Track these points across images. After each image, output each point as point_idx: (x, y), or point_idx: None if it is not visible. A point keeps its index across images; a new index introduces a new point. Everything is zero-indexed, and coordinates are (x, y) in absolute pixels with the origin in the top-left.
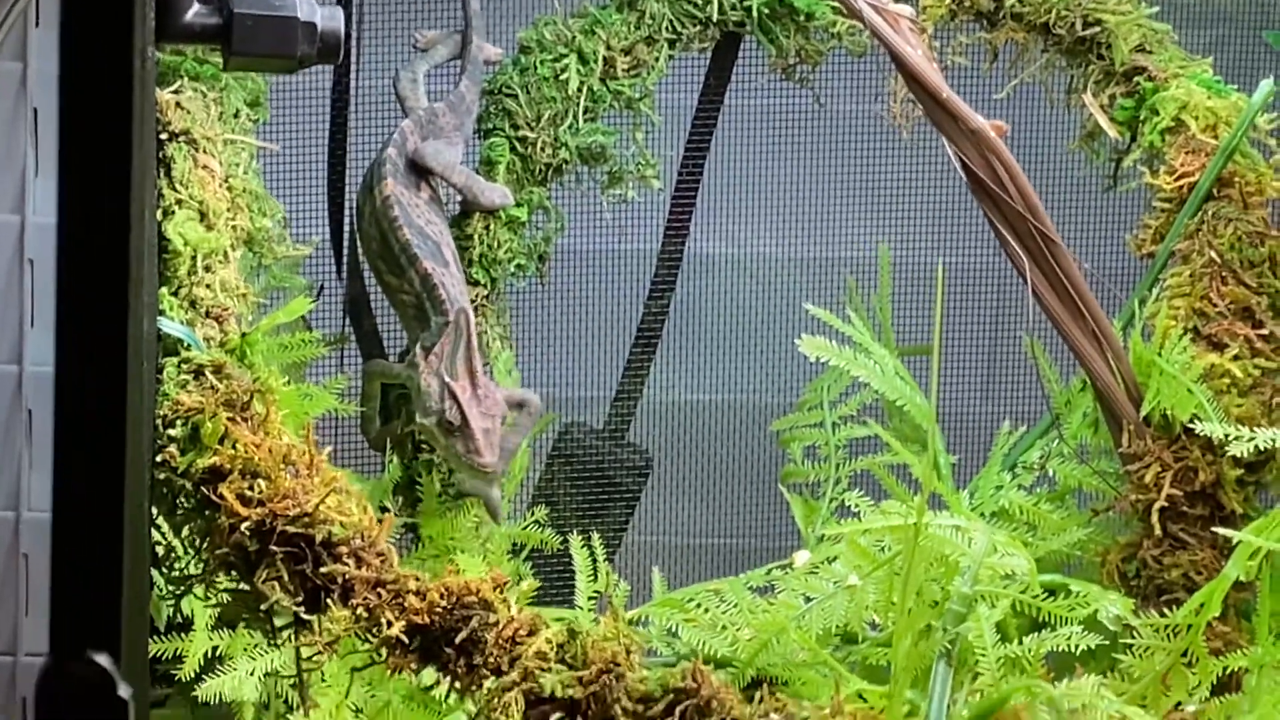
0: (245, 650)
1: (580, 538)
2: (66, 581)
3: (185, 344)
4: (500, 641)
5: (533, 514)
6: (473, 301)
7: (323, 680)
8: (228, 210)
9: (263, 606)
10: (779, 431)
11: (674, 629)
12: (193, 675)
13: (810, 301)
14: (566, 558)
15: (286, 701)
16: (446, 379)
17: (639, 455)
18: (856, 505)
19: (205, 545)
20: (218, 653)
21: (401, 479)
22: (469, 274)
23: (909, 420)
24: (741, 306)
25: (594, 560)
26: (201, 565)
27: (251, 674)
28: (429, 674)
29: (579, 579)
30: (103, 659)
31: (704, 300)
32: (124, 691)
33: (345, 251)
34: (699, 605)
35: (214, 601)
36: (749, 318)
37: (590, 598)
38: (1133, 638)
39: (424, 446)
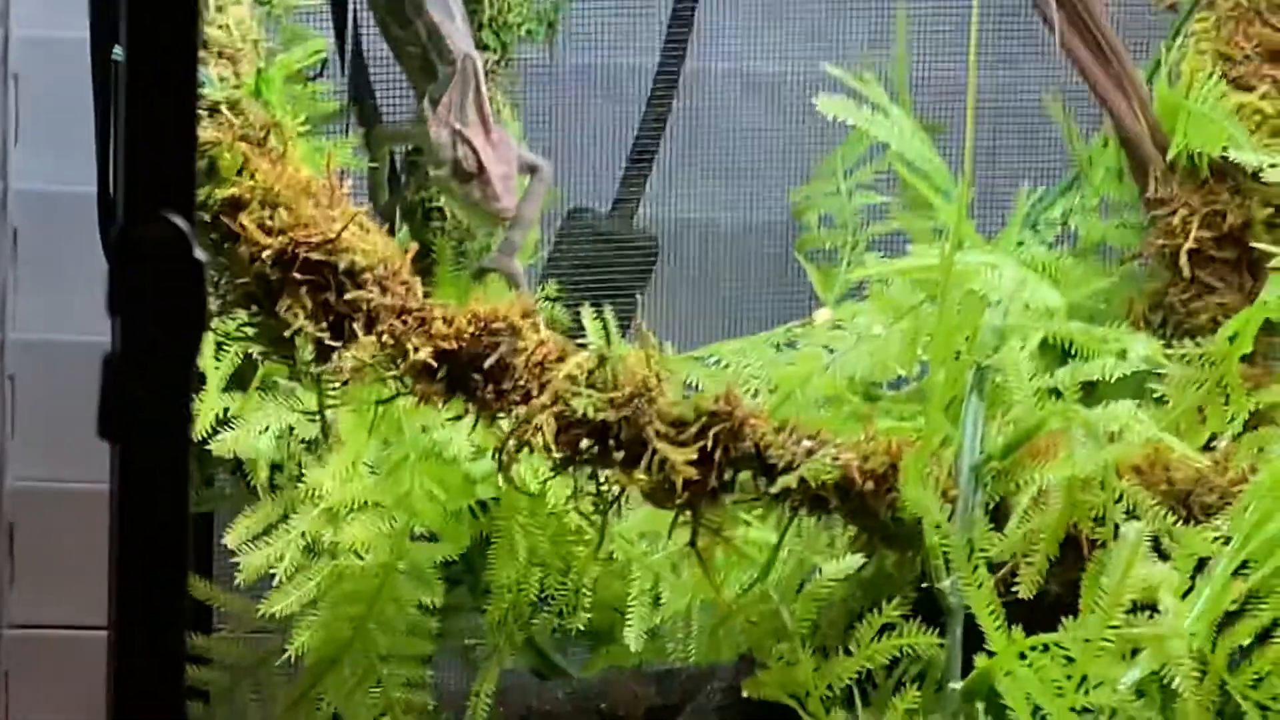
0: (258, 408)
1: (591, 311)
2: (140, 141)
3: (200, 82)
4: (530, 366)
5: (543, 289)
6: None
7: (338, 438)
8: None
9: (285, 334)
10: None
11: (695, 384)
12: (205, 435)
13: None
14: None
15: (299, 463)
16: (458, 126)
17: (646, 237)
18: (873, 264)
19: (224, 279)
20: (228, 413)
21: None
22: (478, 38)
23: (929, 183)
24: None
25: (607, 333)
26: (220, 301)
27: (265, 430)
28: (456, 406)
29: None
30: (177, 219)
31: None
32: (200, 254)
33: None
34: (719, 361)
35: (226, 361)
36: (749, 129)
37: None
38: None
39: (435, 214)
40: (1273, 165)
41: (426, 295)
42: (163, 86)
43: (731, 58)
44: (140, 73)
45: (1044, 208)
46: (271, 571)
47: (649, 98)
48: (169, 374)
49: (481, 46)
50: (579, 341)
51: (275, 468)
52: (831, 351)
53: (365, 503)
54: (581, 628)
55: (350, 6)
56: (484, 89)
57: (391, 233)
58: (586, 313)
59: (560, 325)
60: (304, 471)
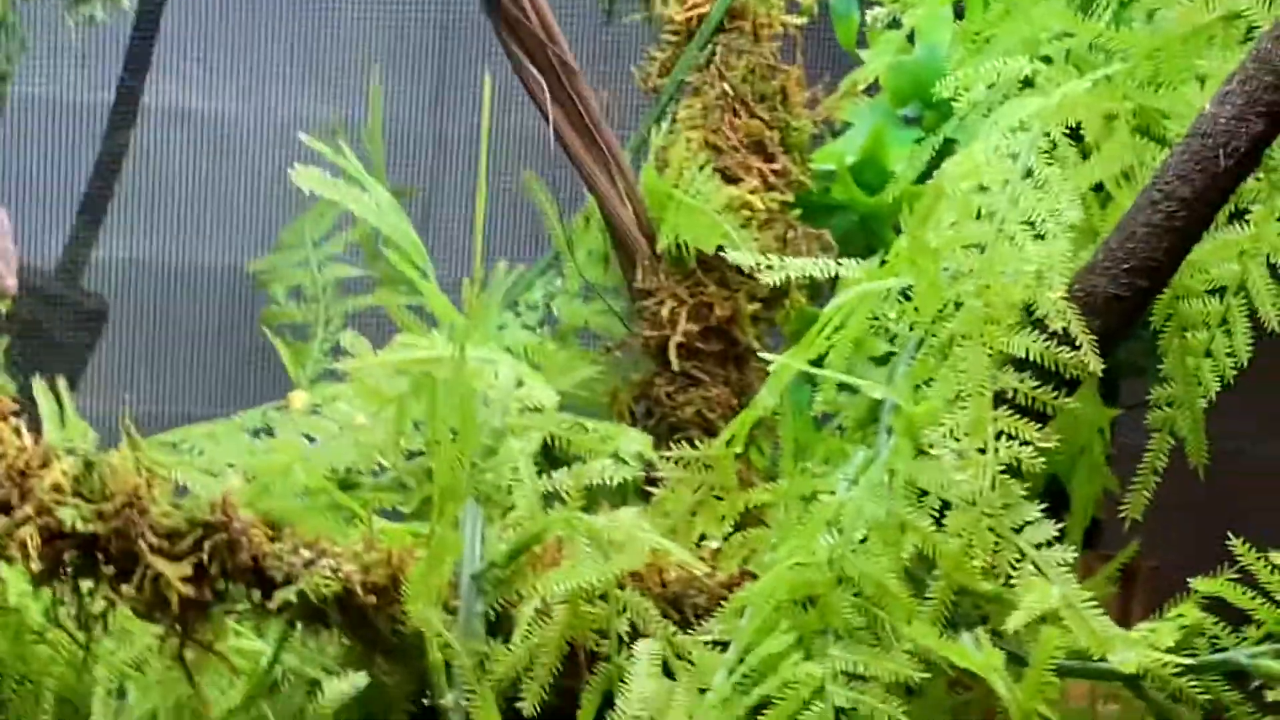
0: None
1: (42, 381)
2: None
3: None
4: (11, 474)
5: None
6: None
7: None
8: None
9: None
10: (244, 293)
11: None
12: None
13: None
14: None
15: None
16: None
17: (94, 299)
18: (352, 345)
19: None
20: None
21: None
22: None
23: (402, 258)
24: (199, 163)
25: (61, 405)
26: None
27: None
28: None
29: (47, 428)
30: None
31: (164, 154)
32: None
33: None
34: (191, 447)
35: None
36: (207, 175)
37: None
38: (651, 472)
39: None
40: (769, 266)
41: None
42: None
43: (189, 96)
44: None
45: (523, 288)
46: None
47: (104, 138)
48: None
49: None
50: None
51: None
52: (311, 440)
53: None
54: None
55: None
56: None
57: None
58: (38, 384)
59: (6, 393)
60: None
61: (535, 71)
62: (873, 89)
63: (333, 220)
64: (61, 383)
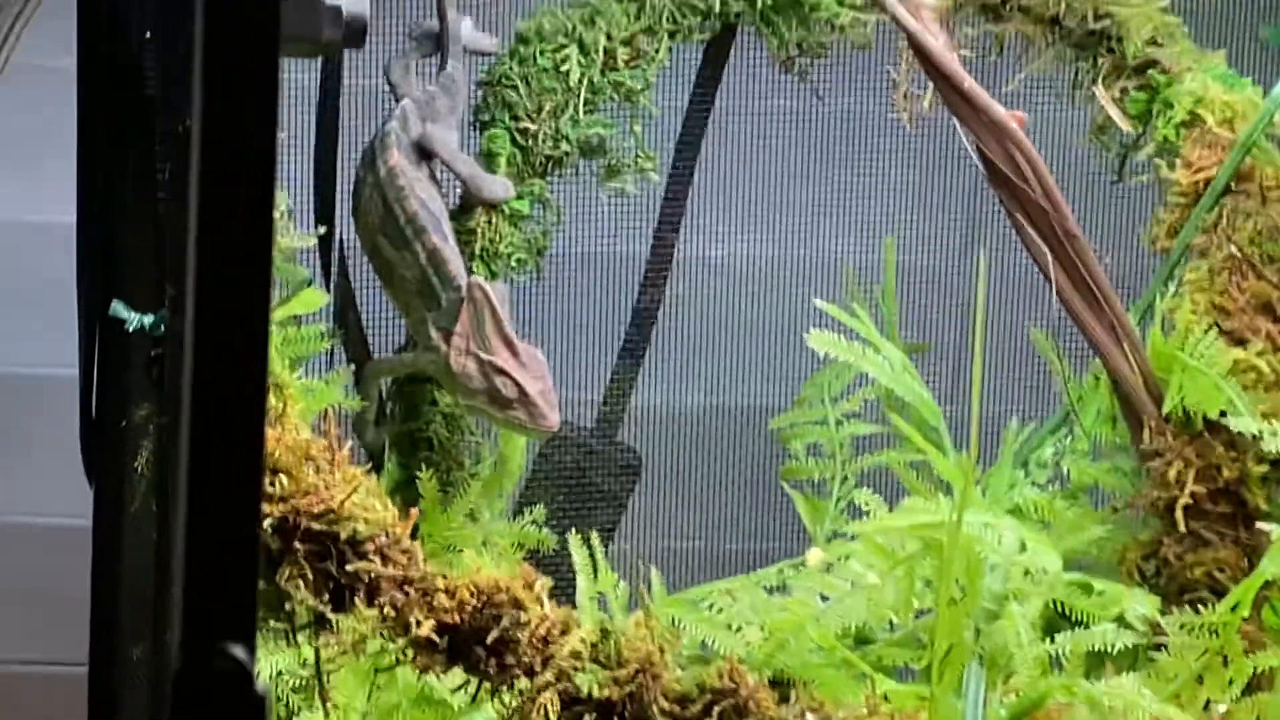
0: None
1: (578, 536)
2: (200, 569)
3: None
4: (534, 641)
5: (530, 513)
6: None
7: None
8: None
9: (286, 606)
10: (772, 433)
11: (684, 627)
12: None
13: (801, 301)
14: (557, 560)
15: (288, 705)
16: (483, 355)
17: (630, 454)
18: (867, 504)
19: None
20: None
21: (400, 479)
22: (470, 268)
23: (913, 417)
24: (733, 308)
25: (594, 559)
26: None
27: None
28: (456, 675)
29: (580, 579)
30: (238, 650)
31: (695, 302)
32: (261, 687)
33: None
34: (711, 605)
35: None
36: (740, 320)
37: (591, 598)
38: (1158, 636)
39: (422, 444)
40: (1273, 433)
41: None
42: (228, 507)
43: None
44: (201, 494)
45: (1034, 447)
46: None
47: (641, 289)
48: None
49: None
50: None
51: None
52: (825, 598)
53: None
54: None
55: (336, 233)
56: (500, 311)
57: (378, 469)
58: (574, 540)
59: (545, 545)
60: (294, 716)
61: (1037, 238)
62: None
63: (853, 374)
64: (594, 535)
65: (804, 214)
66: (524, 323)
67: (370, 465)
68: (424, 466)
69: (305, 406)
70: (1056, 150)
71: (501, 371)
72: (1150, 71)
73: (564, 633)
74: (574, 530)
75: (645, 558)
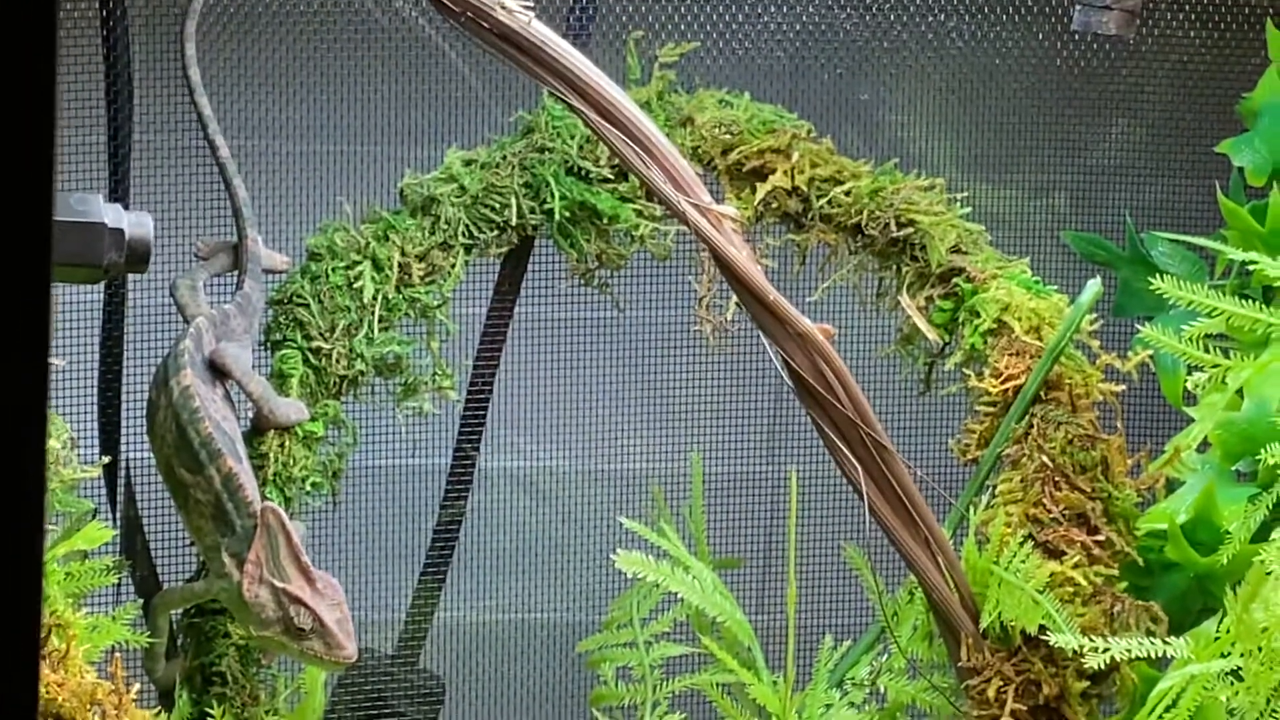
0: None
1: None
2: None
3: None
4: None
5: None
6: None
7: None
8: None
9: None
10: (582, 652)
11: None
12: None
13: (605, 516)
14: None
15: None
16: (277, 584)
17: (432, 680)
18: None
19: None
20: None
21: (193, 717)
22: (263, 493)
23: (725, 637)
24: (537, 523)
25: None
26: None
27: None
28: None
29: None
30: None
31: (498, 516)
32: None
33: (121, 470)
34: None
35: None
36: (545, 534)
37: None
38: None
39: (215, 680)
40: (1093, 649)
41: None
42: None
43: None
44: None
45: (849, 665)
46: None
47: (442, 504)
48: None
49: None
50: None
51: None
52: None
53: None
54: None
55: (122, 463)
56: (295, 538)
57: (169, 708)
58: None
59: None
60: None
61: (848, 452)
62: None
63: (661, 593)
64: None
65: (607, 426)
66: (320, 541)
67: (160, 705)
68: (217, 704)
69: (91, 646)
70: (863, 360)
71: (297, 600)
72: (955, 280)
73: None
74: None
75: None
